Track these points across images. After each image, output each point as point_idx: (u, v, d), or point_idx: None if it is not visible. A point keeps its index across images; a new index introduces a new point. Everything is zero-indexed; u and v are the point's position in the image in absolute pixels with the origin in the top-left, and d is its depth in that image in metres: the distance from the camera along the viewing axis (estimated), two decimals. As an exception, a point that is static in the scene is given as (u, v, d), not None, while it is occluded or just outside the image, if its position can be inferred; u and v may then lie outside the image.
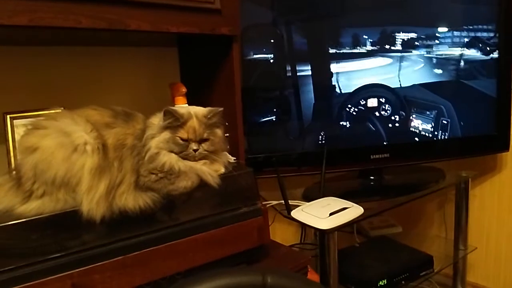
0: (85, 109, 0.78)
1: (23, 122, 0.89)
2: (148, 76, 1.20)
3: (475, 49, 1.44)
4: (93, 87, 1.11)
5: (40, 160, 0.69)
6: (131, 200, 0.75)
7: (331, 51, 1.34)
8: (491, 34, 1.44)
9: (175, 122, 0.79)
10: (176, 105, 1.02)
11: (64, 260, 0.71)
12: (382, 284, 1.27)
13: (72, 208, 0.72)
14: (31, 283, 0.68)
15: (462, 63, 1.44)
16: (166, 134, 0.79)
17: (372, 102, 1.39)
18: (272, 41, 1.29)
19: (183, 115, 0.80)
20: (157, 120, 0.81)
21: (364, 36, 1.35)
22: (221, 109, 0.85)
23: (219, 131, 0.85)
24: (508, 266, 1.62)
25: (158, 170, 0.77)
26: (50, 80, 1.04)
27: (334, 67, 1.34)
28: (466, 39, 1.43)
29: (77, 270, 0.73)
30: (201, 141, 0.81)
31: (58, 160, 0.69)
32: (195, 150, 0.80)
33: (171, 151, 0.79)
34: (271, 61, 1.29)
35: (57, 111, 0.90)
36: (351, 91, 1.36)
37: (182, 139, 0.79)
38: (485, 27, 1.44)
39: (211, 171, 0.82)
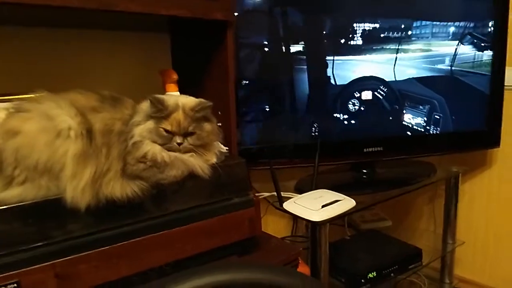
0: (70, 93, 0.75)
1: (5, 105, 0.85)
2: (139, 62, 1.16)
3: (469, 45, 1.43)
4: (81, 72, 1.07)
5: (21, 144, 0.66)
6: (118, 188, 0.72)
7: (327, 42, 1.32)
8: (486, 31, 1.44)
9: (160, 112, 0.75)
10: (167, 93, 0.99)
11: (47, 249, 0.68)
12: (372, 276, 1.27)
13: (56, 196, 0.69)
14: (12, 272, 0.65)
15: (456, 59, 1.43)
16: (150, 124, 0.75)
17: (367, 95, 1.37)
18: (267, 29, 1.26)
19: (168, 106, 0.76)
20: (146, 106, 0.78)
21: (360, 28, 1.33)
22: (211, 103, 0.81)
23: (207, 125, 0.81)
24: (494, 261, 1.64)
25: (145, 159, 0.74)
26: (36, 63, 1.00)
27: (330, 59, 1.32)
28: (461, 35, 1.42)
29: (61, 260, 0.70)
30: (186, 134, 0.78)
31: (40, 145, 0.66)
32: (179, 144, 0.77)
33: (154, 142, 0.76)
34: (266, 49, 1.26)
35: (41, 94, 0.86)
36: (346, 83, 1.34)
37: (166, 130, 0.76)
38: (480, 23, 1.43)
39: (200, 162, 0.80)
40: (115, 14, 0.82)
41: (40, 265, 0.67)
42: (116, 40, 1.12)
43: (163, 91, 0.99)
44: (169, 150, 0.77)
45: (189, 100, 0.80)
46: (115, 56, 1.12)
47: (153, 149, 0.75)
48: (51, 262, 0.68)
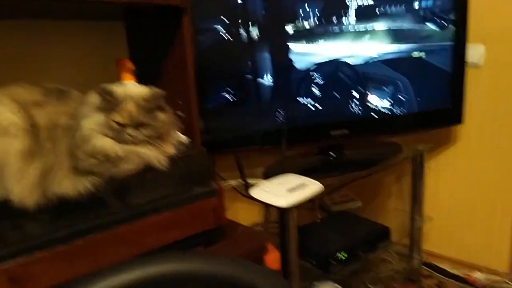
0: (11, 87, 0.70)
1: None
2: (94, 52, 1.11)
3: (432, 24, 1.44)
4: (30, 65, 1.01)
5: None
6: (69, 185, 0.70)
7: (289, 26, 1.30)
8: (447, 8, 1.45)
9: (109, 104, 0.72)
10: (122, 82, 0.95)
11: (-1, 253, 0.65)
12: (342, 256, 1.29)
13: (5, 196, 0.66)
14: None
15: (418, 38, 1.44)
16: (99, 116, 0.72)
17: (330, 78, 1.37)
18: (226, 14, 1.23)
19: (118, 96, 0.72)
20: (94, 98, 0.74)
21: (320, 9, 1.31)
22: (163, 92, 0.78)
23: (161, 115, 0.78)
24: (459, 234, 1.70)
25: (95, 153, 0.71)
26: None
27: (292, 43, 1.30)
28: (422, 12, 1.42)
29: (14, 262, 0.67)
30: (139, 126, 0.74)
31: (-20, 145, 0.62)
32: (132, 136, 0.73)
33: (105, 135, 0.72)
34: (226, 35, 1.23)
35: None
36: (309, 67, 1.33)
37: (117, 123, 0.72)
38: (442, 1, 1.44)
39: (157, 154, 0.77)
40: (66, 2, 0.77)
41: (-10, 270, 0.64)
42: (68, 31, 1.06)
43: (119, 81, 0.95)
44: (122, 143, 0.74)
45: (140, 89, 0.77)
46: (68, 46, 1.07)
47: (104, 143, 0.72)
48: (3, 266, 0.65)
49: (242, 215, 1.53)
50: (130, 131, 0.73)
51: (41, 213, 0.69)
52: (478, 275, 1.59)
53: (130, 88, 0.77)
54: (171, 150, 0.81)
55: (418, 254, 1.68)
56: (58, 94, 0.73)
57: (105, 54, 1.10)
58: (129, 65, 0.97)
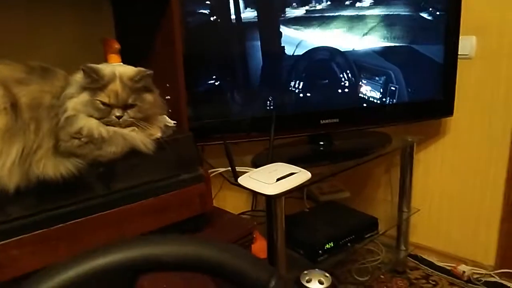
0: (-8, 64, 0.68)
1: None
2: (80, 31, 1.07)
3: (425, 13, 1.43)
4: (13, 42, 0.97)
5: None
6: (50, 167, 0.67)
7: (279, 10, 1.27)
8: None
9: (95, 83, 0.69)
10: (108, 63, 0.93)
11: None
12: (329, 246, 1.29)
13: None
14: None
15: (411, 29, 1.43)
16: (85, 96, 0.69)
17: (321, 66, 1.35)
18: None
19: (104, 75, 0.70)
20: (80, 77, 0.71)
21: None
22: (151, 71, 0.75)
23: (149, 96, 0.76)
24: (448, 226, 1.72)
25: (79, 134, 0.68)
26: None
27: (283, 28, 1.28)
28: (415, 3, 1.41)
29: (-8, 245, 0.65)
30: (125, 107, 0.72)
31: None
32: (118, 117, 0.71)
33: (90, 116, 0.70)
34: (216, 18, 1.20)
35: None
36: (300, 53, 1.31)
37: (103, 103, 0.70)
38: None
39: (143, 136, 0.75)
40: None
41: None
42: (53, 8, 1.03)
43: (106, 62, 0.92)
44: (107, 125, 0.72)
45: (128, 69, 0.75)
46: (52, 25, 1.03)
47: (89, 124, 0.69)
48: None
49: (230, 203, 1.52)
50: (116, 111, 0.71)
51: (22, 195, 0.67)
52: (463, 268, 1.61)
53: (117, 67, 0.75)
54: (157, 133, 0.79)
55: (405, 245, 1.69)
56: (42, 72, 0.70)
57: (91, 33, 1.07)
58: (115, 45, 0.94)
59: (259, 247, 1.14)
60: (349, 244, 1.35)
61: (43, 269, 0.32)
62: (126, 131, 0.73)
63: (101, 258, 0.30)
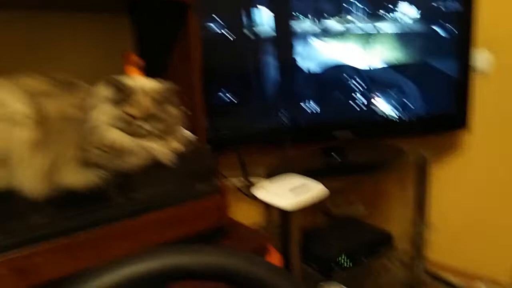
0: (21, 77, 0.70)
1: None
2: (99, 45, 1.11)
3: (438, 28, 1.44)
4: (36, 57, 1.01)
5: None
6: (75, 177, 0.69)
7: (294, 26, 1.30)
8: (454, 13, 1.44)
9: (120, 94, 0.71)
10: (130, 76, 0.95)
11: (2, 242, 0.65)
12: (343, 261, 1.28)
13: (11, 186, 0.66)
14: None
15: (424, 43, 1.44)
16: (109, 107, 0.71)
17: (336, 80, 1.37)
18: (233, 12, 1.23)
19: (129, 88, 0.72)
20: (103, 89, 0.74)
21: (328, 11, 1.31)
22: (176, 86, 0.78)
23: (172, 109, 0.78)
24: (464, 243, 1.69)
25: (103, 145, 0.70)
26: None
27: (298, 42, 1.30)
28: (429, 17, 1.42)
29: (16, 253, 0.67)
30: (149, 119, 0.73)
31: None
32: (142, 129, 0.73)
33: (114, 127, 0.72)
34: (233, 33, 1.23)
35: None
36: (315, 67, 1.33)
37: (127, 114, 0.72)
38: (447, 4, 1.43)
39: (164, 149, 0.77)
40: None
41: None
42: (73, 23, 1.06)
43: (126, 75, 0.95)
44: (131, 136, 0.74)
45: (151, 83, 0.77)
46: (72, 39, 1.07)
47: (113, 135, 0.71)
48: (6, 256, 0.65)
49: (243, 214, 1.52)
50: (140, 123, 0.73)
51: (47, 204, 0.69)
52: (480, 285, 1.57)
53: (142, 80, 0.77)
54: (178, 145, 0.81)
55: (420, 262, 1.66)
56: (67, 85, 0.73)
57: (110, 47, 1.10)
58: (136, 59, 0.97)
59: (274, 260, 1.14)
60: (364, 259, 1.34)
61: (76, 273, 0.33)
62: (149, 143, 0.75)
63: (135, 265, 0.31)
